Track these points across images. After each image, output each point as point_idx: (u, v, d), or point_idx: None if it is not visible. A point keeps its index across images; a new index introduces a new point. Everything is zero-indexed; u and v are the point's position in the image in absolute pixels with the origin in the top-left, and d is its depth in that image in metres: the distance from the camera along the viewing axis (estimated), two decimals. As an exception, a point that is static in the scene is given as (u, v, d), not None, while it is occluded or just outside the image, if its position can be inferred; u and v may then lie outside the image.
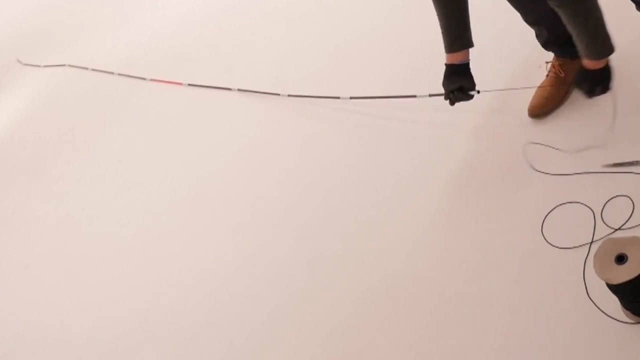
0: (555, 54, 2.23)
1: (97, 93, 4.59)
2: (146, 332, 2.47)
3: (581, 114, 2.15)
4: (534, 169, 2.09)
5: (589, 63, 1.92)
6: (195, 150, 3.31)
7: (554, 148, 2.10)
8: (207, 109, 3.55)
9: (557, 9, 1.81)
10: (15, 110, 5.27)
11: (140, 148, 3.65)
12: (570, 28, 1.84)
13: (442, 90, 2.15)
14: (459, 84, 2.08)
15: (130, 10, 5.56)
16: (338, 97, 2.85)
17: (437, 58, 2.29)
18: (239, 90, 3.42)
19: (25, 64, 5.75)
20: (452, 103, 2.15)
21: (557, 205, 1.93)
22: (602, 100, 2.08)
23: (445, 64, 2.09)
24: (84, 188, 3.61)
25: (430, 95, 2.33)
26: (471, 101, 2.17)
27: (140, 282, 2.72)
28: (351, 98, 2.80)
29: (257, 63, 3.66)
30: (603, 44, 1.88)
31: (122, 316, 2.61)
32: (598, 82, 1.95)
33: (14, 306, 3.09)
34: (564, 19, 1.83)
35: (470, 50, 2.08)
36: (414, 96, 2.47)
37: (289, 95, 3.10)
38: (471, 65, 2.10)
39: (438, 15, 2.03)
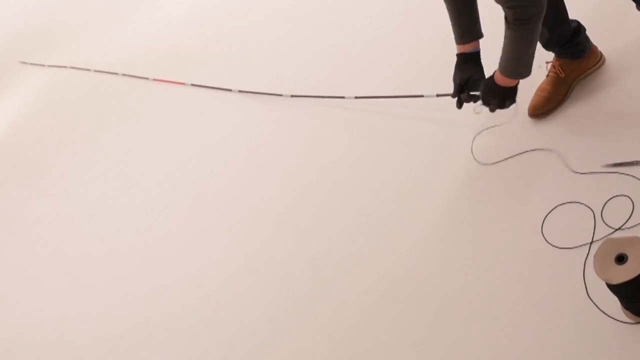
0: (556, 54, 2.23)
1: (97, 93, 4.60)
2: (146, 333, 2.47)
3: (581, 115, 2.15)
4: (534, 169, 2.09)
5: (501, 79, 2.01)
6: (195, 151, 3.31)
7: (553, 148, 2.10)
8: (208, 109, 3.55)
9: (506, 28, 1.87)
10: (15, 110, 5.27)
11: (141, 148, 3.65)
12: (504, 42, 1.91)
13: (449, 90, 2.17)
14: (468, 73, 2.12)
15: (129, 11, 5.57)
16: (343, 97, 2.84)
17: (443, 56, 2.30)
18: (239, 91, 3.42)
19: (30, 64, 5.75)
20: (459, 106, 2.18)
21: (557, 205, 1.93)
22: (603, 100, 2.08)
23: (456, 54, 2.13)
24: (84, 188, 3.61)
25: (437, 96, 2.33)
26: (471, 103, 2.19)
27: (141, 282, 2.72)
28: (356, 98, 2.79)
29: (258, 63, 3.66)
30: (522, 71, 1.97)
31: (122, 316, 2.61)
32: (508, 97, 2.07)
33: (14, 306, 3.10)
34: (506, 37, 1.89)
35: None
36: (421, 96, 2.46)
37: (291, 96, 3.10)
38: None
39: (448, 10, 2.07)
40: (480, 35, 2.09)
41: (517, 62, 1.95)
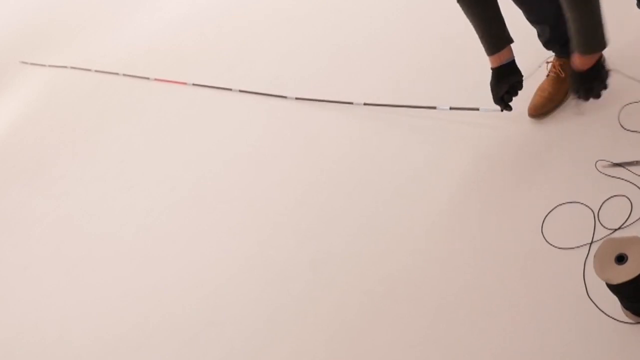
0: (556, 54, 2.22)
1: (98, 93, 4.60)
2: (146, 333, 2.47)
3: (581, 115, 2.14)
4: (534, 169, 2.09)
5: (581, 62, 1.88)
6: (195, 151, 3.31)
7: (553, 148, 2.10)
8: (209, 109, 3.55)
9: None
10: (15, 110, 5.27)
11: (141, 148, 3.65)
12: (571, 18, 1.81)
13: (460, 95, 2.14)
14: (507, 84, 2.07)
15: (129, 11, 5.57)
16: (351, 103, 2.83)
17: (443, 56, 2.30)
18: (241, 91, 3.42)
19: (30, 64, 5.76)
20: (507, 108, 2.15)
21: (557, 205, 1.93)
22: (602, 100, 2.08)
23: (492, 69, 2.07)
24: (84, 188, 3.61)
25: (451, 109, 2.32)
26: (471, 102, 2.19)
27: (141, 282, 2.72)
28: (365, 104, 2.77)
29: (258, 63, 3.66)
30: (602, 38, 1.83)
31: (122, 316, 2.61)
32: (593, 79, 1.92)
33: (14, 306, 3.09)
34: (566, 7, 1.80)
35: (469, 49, 2.08)
36: (434, 107, 2.44)
37: (296, 98, 3.10)
38: (470, 65, 2.10)
39: (473, 21, 2.00)
40: (511, 40, 2.04)
41: (596, 30, 1.81)
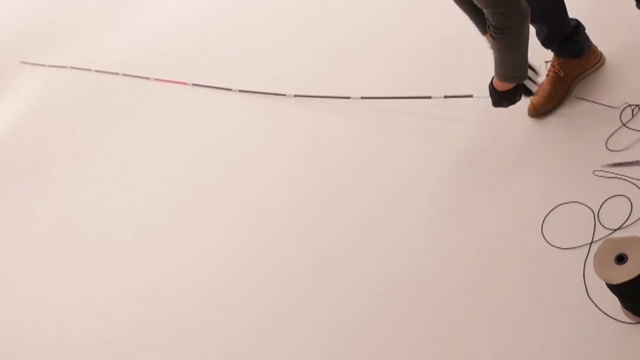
0: (555, 53, 2.22)
1: (98, 93, 4.59)
2: (146, 333, 2.47)
3: (581, 114, 2.14)
4: (534, 169, 2.09)
5: (501, 85, 2.03)
6: (196, 151, 3.31)
7: (553, 148, 2.10)
8: (209, 109, 3.55)
9: (492, 39, 1.87)
10: (15, 110, 5.27)
11: (141, 148, 3.65)
12: (496, 55, 1.93)
13: (456, 92, 2.16)
14: (519, 95, 2.11)
15: (129, 11, 5.57)
16: (348, 97, 2.83)
17: (443, 55, 2.30)
18: (241, 91, 3.42)
19: (30, 64, 5.75)
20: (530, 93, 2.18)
21: (557, 205, 1.93)
22: (603, 100, 2.08)
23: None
24: (84, 188, 3.61)
25: (445, 97, 2.33)
26: (471, 102, 2.18)
27: (141, 282, 2.72)
28: (362, 98, 2.78)
29: (258, 63, 3.66)
30: (521, 71, 1.98)
31: (122, 316, 2.61)
32: (505, 98, 2.09)
33: (14, 306, 3.10)
34: (494, 47, 1.90)
35: (468, 49, 2.09)
36: (429, 97, 2.46)
37: (295, 96, 3.10)
38: (470, 65, 2.11)
39: (461, 6, 2.06)
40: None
41: (506, 68, 1.96)
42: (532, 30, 2.20)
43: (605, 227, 1.80)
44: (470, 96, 2.29)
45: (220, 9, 4.56)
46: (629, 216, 1.79)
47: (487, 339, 1.77)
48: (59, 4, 7.01)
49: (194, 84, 3.75)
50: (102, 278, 2.87)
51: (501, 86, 2.04)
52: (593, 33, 2.21)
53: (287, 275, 2.31)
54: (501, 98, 2.09)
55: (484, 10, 1.81)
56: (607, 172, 1.92)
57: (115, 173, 3.57)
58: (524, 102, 2.21)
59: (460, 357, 1.77)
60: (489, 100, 2.13)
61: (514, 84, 2.04)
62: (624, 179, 1.87)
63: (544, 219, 1.92)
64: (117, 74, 4.51)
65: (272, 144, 2.99)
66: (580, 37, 2.18)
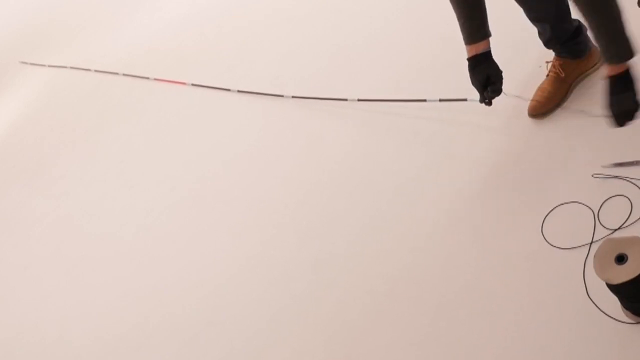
0: (557, 53, 2.22)
1: (97, 93, 4.60)
2: (146, 333, 2.47)
3: (581, 115, 2.14)
4: (534, 169, 2.09)
5: (609, 69, 1.78)
6: (195, 151, 3.31)
7: (553, 148, 2.10)
8: (209, 109, 3.55)
9: (574, 1, 1.71)
10: (15, 110, 5.27)
11: (141, 148, 3.65)
12: (588, 25, 1.76)
13: (451, 91, 2.13)
14: (485, 73, 2.04)
15: (129, 11, 5.57)
16: (345, 99, 2.83)
17: (443, 56, 2.30)
18: (239, 91, 3.42)
19: (30, 64, 5.75)
20: (489, 104, 2.11)
21: (557, 205, 1.93)
22: (602, 100, 2.08)
23: (468, 59, 2.05)
24: (84, 188, 3.61)
25: (440, 100, 2.32)
26: (471, 103, 2.18)
27: (141, 282, 2.72)
28: (359, 100, 2.78)
29: (258, 63, 3.66)
30: (622, 46, 1.73)
31: (122, 316, 2.61)
32: (621, 91, 1.79)
33: (14, 306, 3.10)
34: (581, 15, 1.74)
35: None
36: (424, 100, 2.46)
37: (292, 97, 3.10)
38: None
39: (456, 9, 1.99)
40: (490, 34, 2.01)
41: (613, 38, 1.73)
42: (534, 30, 2.21)
43: (605, 227, 1.81)
44: (465, 100, 2.29)
45: (220, 9, 4.56)
46: (629, 216, 1.79)
47: (488, 338, 1.77)
48: (59, 4, 7.01)
49: (193, 84, 3.75)
50: (102, 278, 2.87)
51: (613, 70, 1.76)
52: (593, 33, 2.21)
53: (288, 276, 2.31)
54: (619, 89, 1.77)
55: None
56: (607, 172, 1.92)
57: (115, 173, 3.57)
58: (524, 103, 2.22)
59: (461, 357, 1.77)
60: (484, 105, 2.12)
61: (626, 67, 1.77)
62: (624, 179, 1.87)
63: (544, 219, 1.92)
64: (117, 74, 4.51)
65: (272, 144, 2.99)
66: (582, 38, 2.18)
